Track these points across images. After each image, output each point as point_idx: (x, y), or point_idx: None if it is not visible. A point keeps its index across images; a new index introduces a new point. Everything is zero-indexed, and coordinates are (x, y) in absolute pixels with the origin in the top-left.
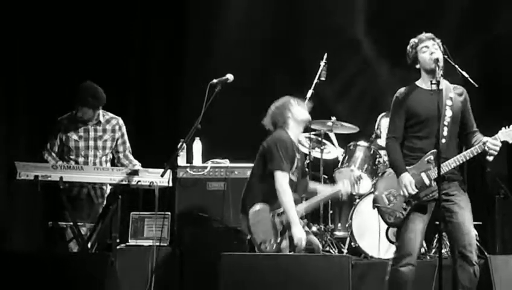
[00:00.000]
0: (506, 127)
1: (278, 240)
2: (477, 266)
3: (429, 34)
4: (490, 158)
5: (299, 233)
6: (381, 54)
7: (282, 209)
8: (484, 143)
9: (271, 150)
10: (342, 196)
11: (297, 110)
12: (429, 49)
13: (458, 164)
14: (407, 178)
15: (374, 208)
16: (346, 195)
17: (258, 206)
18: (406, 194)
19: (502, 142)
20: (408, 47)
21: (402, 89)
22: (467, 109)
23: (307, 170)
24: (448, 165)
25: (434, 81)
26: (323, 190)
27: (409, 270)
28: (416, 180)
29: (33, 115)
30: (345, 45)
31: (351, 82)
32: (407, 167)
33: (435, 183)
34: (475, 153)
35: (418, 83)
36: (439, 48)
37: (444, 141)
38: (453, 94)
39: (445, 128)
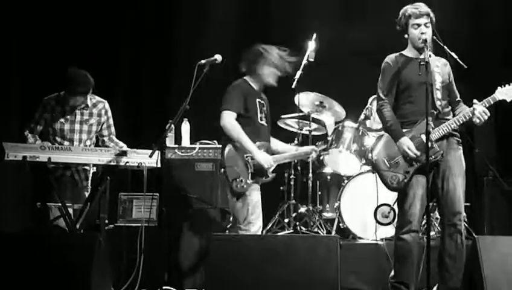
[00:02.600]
0: (503, 86)
1: (249, 181)
2: (463, 236)
3: (425, 9)
4: (477, 121)
5: (262, 158)
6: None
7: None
8: (475, 109)
9: (224, 95)
10: (309, 157)
11: (267, 72)
12: (420, 28)
13: (451, 128)
14: (406, 142)
15: (373, 173)
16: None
17: (234, 144)
18: (411, 155)
19: (501, 100)
20: (401, 13)
21: (391, 56)
22: (451, 79)
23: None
24: (442, 130)
25: (422, 62)
26: (287, 150)
27: (411, 238)
28: (417, 142)
29: (25, 96)
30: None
31: (338, 64)
32: (407, 130)
33: (436, 144)
34: (467, 118)
35: (405, 52)
36: (431, 24)
37: (439, 102)
38: (438, 63)
39: (438, 92)
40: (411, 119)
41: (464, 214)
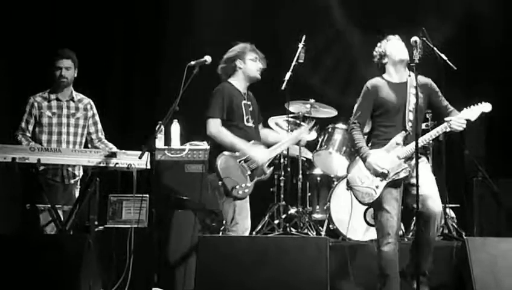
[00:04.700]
0: (468, 107)
1: (249, 185)
2: (436, 228)
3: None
4: (458, 129)
5: (255, 154)
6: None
7: (246, 156)
8: (448, 122)
9: (208, 101)
10: (301, 141)
11: (252, 68)
12: (399, 42)
13: (425, 143)
14: (373, 160)
15: (347, 190)
16: (305, 141)
17: (225, 154)
18: (380, 171)
19: (466, 120)
20: (376, 47)
21: (372, 81)
22: (435, 95)
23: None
24: (411, 147)
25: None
26: (280, 138)
27: (391, 249)
28: (386, 161)
29: (14, 96)
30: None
31: (328, 64)
32: (377, 149)
33: (403, 161)
34: (440, 132)
35: (385, 76)
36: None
37: (410, 124)
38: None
39: (411, 114)
40: (384, 141)
41: (453, 214)
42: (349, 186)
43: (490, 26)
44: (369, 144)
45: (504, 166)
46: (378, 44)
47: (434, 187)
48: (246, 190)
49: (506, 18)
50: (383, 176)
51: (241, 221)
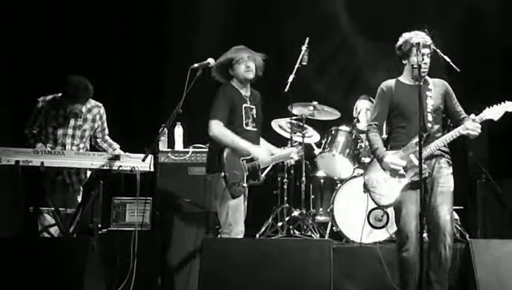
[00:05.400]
0: (490, 106)
1: (245, 185)
2: (448, 251)
3: (429, 40)
4: (472, 137)
5: (260, 153)
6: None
7: (247, 158)
8: (464, 125)
9: (213, 100)
10: (291, 159)
11: (240, 70)
12: (423, 57)
13: (442, 144)
14: (389, 159)
15: (364, 192)
16: (293, 161)
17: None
18: (399, 168)
19: (488, 120)
20: (403, 39)
21: (386, 82)
22: (450, 98)
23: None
24: (434, 147)
25: (415, 66)
26: (274, 151)
27: (409, 255)
28: (403, 161)
29: (17, 100)
30: (326, 28)
31: (331, 66)
32: (395, 151)
33: (424, 162)
34: (458, 134)
35: (400, 78)
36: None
37: (429, 125)
38: (432, 86)
39: (429, 115)
40: (402, 143)
41: (457, 217)
42: (366, 189)
43: (493, 26)
44: (388, 148)
45: (508, 167)
46: (408, 37)
47: (447, 197)
48: (242, 189)
49: (509, 18)
50: (400, 176)
51: (234, 223)
